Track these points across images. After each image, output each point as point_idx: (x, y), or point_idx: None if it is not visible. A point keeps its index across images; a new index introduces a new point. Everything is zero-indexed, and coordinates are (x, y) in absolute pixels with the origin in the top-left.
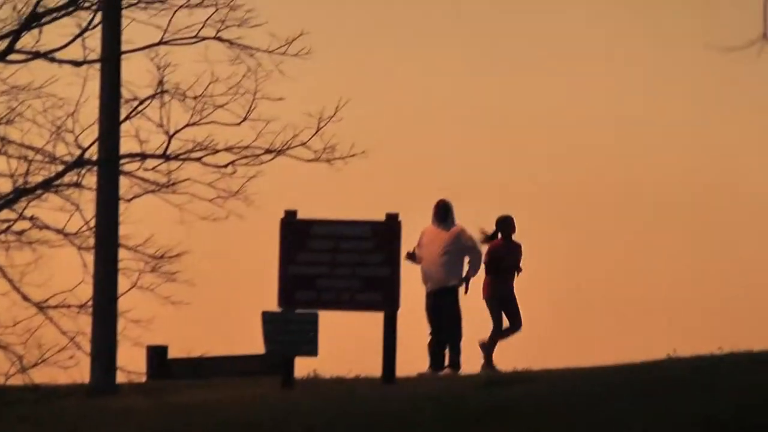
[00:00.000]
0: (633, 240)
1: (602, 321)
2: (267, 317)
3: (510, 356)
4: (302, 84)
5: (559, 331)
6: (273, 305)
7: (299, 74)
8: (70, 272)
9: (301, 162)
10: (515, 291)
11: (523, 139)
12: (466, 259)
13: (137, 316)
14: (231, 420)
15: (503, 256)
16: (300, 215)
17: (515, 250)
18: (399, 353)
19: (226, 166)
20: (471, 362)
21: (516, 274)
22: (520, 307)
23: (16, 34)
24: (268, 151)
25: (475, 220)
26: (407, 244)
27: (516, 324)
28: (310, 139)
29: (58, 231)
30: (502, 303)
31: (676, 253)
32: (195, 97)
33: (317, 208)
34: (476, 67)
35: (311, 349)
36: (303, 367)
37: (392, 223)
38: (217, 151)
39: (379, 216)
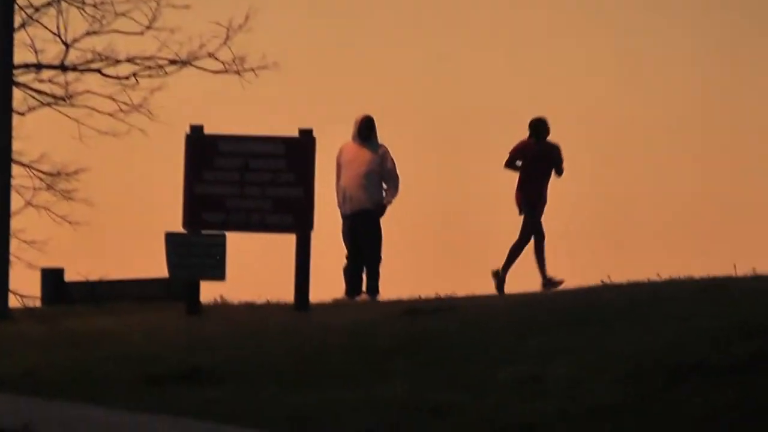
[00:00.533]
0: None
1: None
2: (171, 239)
3: (433, 281)
4: None
5: (487, 254)
6: (178, 226)
7: None
8: None
9: (208, 74)
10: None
11: (451, 54)
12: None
13: (31, 236)
14: (132, 350)
15: (536, 156)
16: (207, 130)
17: (550, 151)
18: (313, 278)
19: (127, 77)
20: (389, 287)
21: (553, 176)
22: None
23: None
24: (173, 62)
25: (393, 139)
26: (322, 162)
27: (527, 236)
28: (218, 49)
29: None
30: (532, 207)
31: (613, 175)
32: (95, 5)
33: (226, 123)
34: None
35: (218, 273)
36: (210, 292)
37: (306, 139)
38: (119, 62)
39: (292, 132)
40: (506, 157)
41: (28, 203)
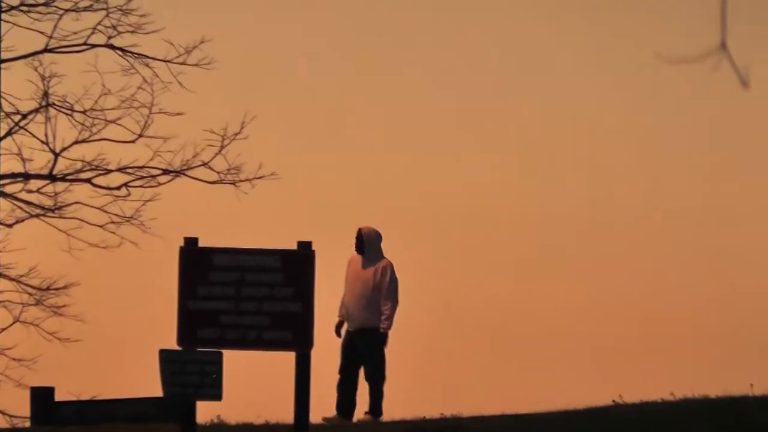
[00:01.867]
0: (576, 275)
1: (543, 362)
2: (165, 356)
3: (437, 400)
4: (204, 97)
5: (494, 372)
6: (172, 343)
7: (200, 86)
8: None
9: (202, 184)
10: None
11: (443, 161)
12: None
13: (20, 354)
14: None
15: None
16: (201, 243)
17: None
18: (313, 398)
19: (119, 188)
20: (392, 408)
21: None
22: None
23: None
24: (165, 172)
25: (399, 251)
26: (322, 276)
27: None
28: (213, 158)
29: None
30: None
31: (626, 290)
32: (84, 111)
33: (221, 235)
34: (392, 81)
35: (215, 393)
36: (206, 412)
37: (305, 252)
38: (109, 171)
39: (291, 245)
40: None
41: (17, 319)
